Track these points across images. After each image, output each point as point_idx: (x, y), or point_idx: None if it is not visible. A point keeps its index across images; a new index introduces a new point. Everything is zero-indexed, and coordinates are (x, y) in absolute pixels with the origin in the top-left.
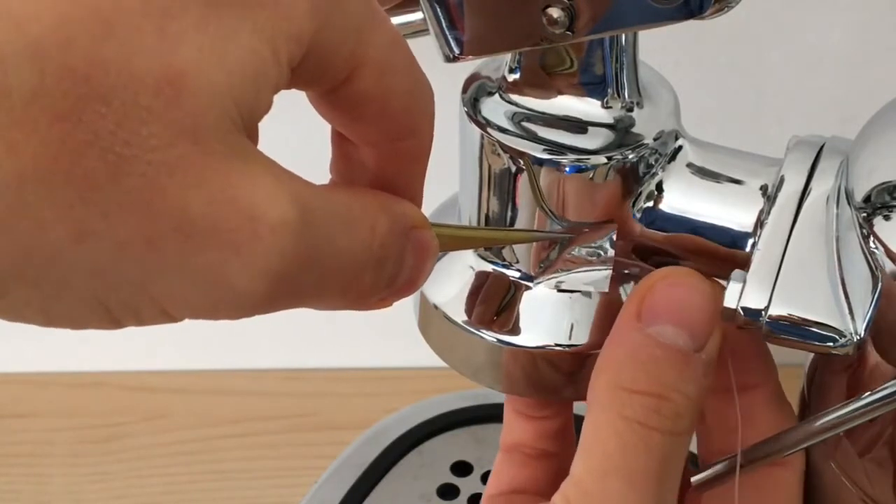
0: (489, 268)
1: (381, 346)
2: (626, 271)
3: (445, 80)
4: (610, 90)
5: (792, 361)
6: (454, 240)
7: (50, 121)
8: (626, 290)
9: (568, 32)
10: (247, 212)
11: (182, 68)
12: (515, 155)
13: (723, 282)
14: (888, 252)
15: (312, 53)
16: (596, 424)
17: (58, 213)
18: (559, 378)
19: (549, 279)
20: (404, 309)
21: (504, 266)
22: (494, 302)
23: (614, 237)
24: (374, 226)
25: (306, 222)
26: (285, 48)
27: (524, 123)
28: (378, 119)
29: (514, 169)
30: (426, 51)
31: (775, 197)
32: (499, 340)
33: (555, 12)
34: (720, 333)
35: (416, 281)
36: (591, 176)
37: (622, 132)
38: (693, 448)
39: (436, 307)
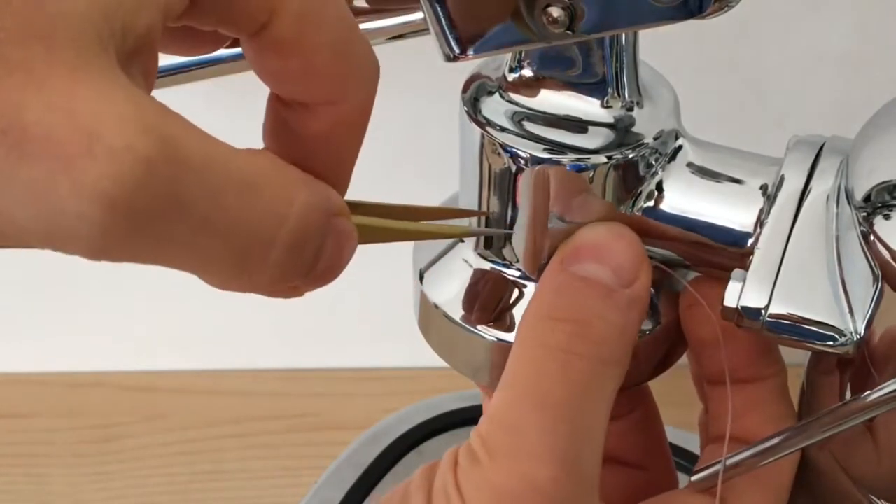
0: (487, 266)
1: (381, 346)
2: None
3: (445, 80)
4: (610, 90)
5: (792, 361)
6: (376, 232)
7: None
8: None
9: (568, 32)
10: (85, 126)
11: None
12: (515, 154)
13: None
14: (889, 251)
15: None
16: (515, 356)
17: None
18: None
19: None
20: (404, 309)
21: (504, 265)
22: (494, 301)
23: None
24: (292, 198)
25: (169, 158)
26: None
27: (524, 123)
28: (302, 74)
29: (514, 168)
30: (426, 51)
31: (775, 196)
32: (499, 340)
33: (555, 12)
34: (648, 276)
35: (332, 272)
36: (591, 175)
37: (622, 132)
38: (691, 447)
39: (436, 307)
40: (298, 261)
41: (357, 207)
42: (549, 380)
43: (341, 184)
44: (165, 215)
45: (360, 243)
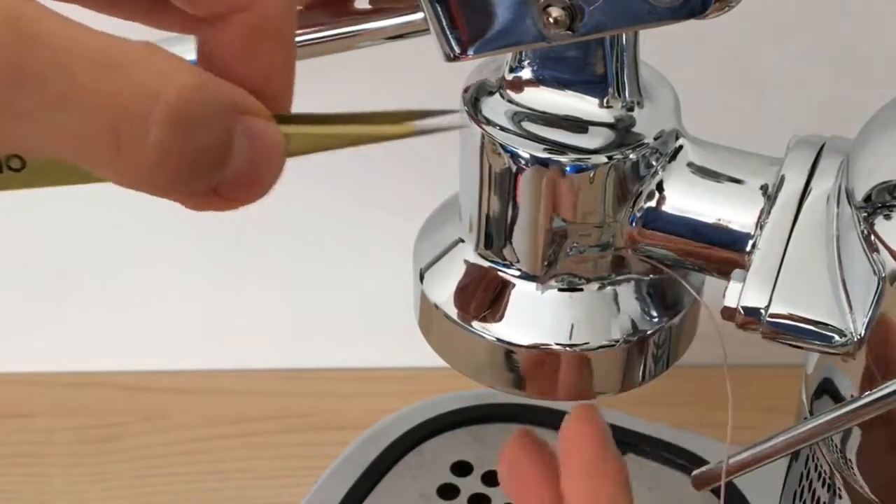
0: (486, 264)
1: (381, 346)
2: (627, 270)
3: (445, 80)
4: (610, 90)
5: (792, 361)
6: (310, 139)
7: None
8: (625, 288)
9: (568, 32)
10: None
11: None
12: (515, 154)
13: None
14: (889, 251)
15: None
16: None
17: None
18: (558, 377)
19: (549, 279)
20: (404, 309)
21: (505, 265)
22: (496, 301)
23: (615, 236)
24: (169, 78)
25: (15, 31)
26: None
27: (524, 123)
28: None
29: (514, 168)
30: (426, 51)
31: (776, 196)
32: (499, 339)
33: (555, 12)
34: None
35: (256, 176)
36: (591, 175)
37: (623, 132)
38: (692, 447)
39: (436, 307)
40: (192, 147)
41: (292, 119)
42: None
43: (280, 101)
44: (16, 87)
45: (294, 154)
